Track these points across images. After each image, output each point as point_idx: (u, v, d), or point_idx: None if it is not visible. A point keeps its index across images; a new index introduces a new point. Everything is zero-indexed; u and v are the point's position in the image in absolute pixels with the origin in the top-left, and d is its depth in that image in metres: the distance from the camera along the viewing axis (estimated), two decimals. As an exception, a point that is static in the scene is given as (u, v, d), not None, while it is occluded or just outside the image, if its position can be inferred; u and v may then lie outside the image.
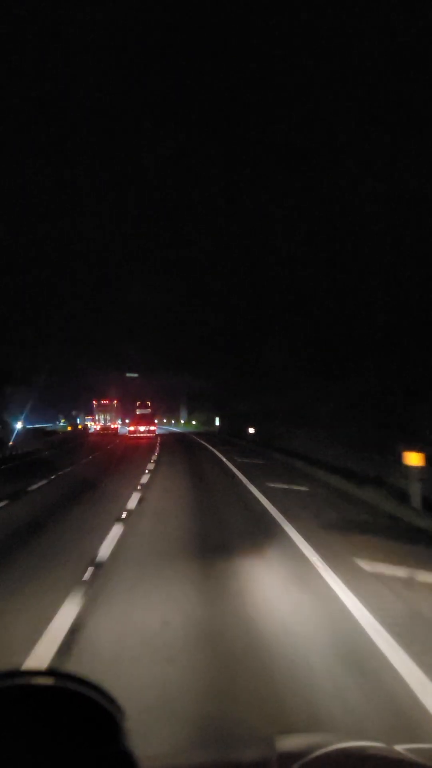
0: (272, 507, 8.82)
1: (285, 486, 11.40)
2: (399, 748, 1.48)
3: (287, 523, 7.55)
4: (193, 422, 65.67)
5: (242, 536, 6.80)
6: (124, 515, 8.19)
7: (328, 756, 1.37)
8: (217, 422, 42.47)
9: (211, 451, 22.06)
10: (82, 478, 13.41)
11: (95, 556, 5.84)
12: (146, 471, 14.32)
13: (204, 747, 2.57)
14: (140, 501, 9.58)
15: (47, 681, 0.80)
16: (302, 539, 6.54)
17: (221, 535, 6.93)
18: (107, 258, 54.31)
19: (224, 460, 17.77)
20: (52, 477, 13.62)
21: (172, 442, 30.26)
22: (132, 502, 9.28)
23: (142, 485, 11.54)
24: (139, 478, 12.67)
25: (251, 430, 26.33)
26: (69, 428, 51.65)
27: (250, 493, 10.50)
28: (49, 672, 0.81)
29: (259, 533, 7.00)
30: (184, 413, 76.33)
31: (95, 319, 60.23)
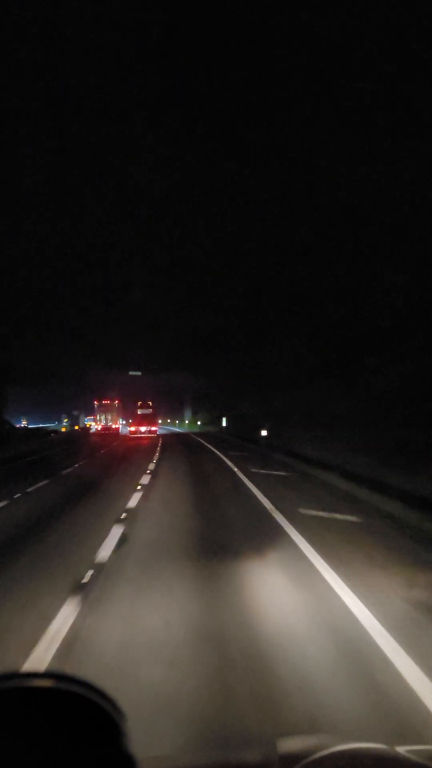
0: (319, 557, 5.71)
1: (325, 514, 8.29)
2: (400, 749, 1.45)
3: (355, 597, 4.47)
4: (198, 422, 62.71)
5: (284, 624, 3.74)
6: (87, 577, 5.12)
7: (329, 758, 1.36)
8: (224, 423, 39.39)
9: (219, 458, 18.99)
10: (50, 499, 10.33)
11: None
12: (138, 487, 11.26)
13: (205, 748, 2.52)
14: (120, 543, 6.53)
15: (47, 683, 0.77)
16: (402, 651, 3.45)
17: (245, 623, 3.86)
18: (108, 257, 52.26)
19: (236, 470, 14.68)
20: (16, 496, 10.58)
21: (174, 445, 27.22)
22: (106, 550, 6.19)
23: (127, 512, 8.48)
24: (128, 500, 9.62)
25: (263, 433, 23.24)
26: (63, 429, 48.79)
27: (279, 527, 7.41)
28: (50, 674, 0.79)
29: (313, 618, 3.94)
30: (188, 413, 73.38)
31: (97, 319, 58.25)
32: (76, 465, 16.98)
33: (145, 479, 12.66)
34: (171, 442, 31.55)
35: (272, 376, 36.65)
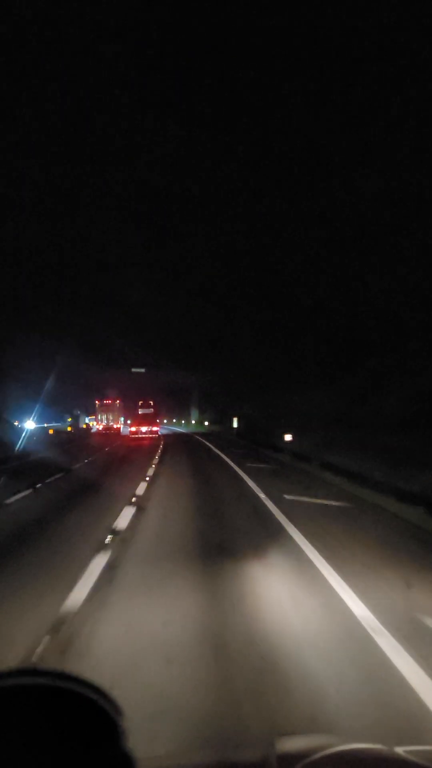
0: None
1: None
2: (400, 750, 1.43)
3: None
4: (206, 423, 58.27)
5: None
6: None
7: (329, 758, 1.34)
8: (235, 424, 34.79)
9: (234, 472, 14.41)
10: None
11: None
12: (97, 555, 6.71)
13: (204, 748, 2.50)
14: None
15: (46, 681, 0.76)
16: None
17: None
18: (111, 254, 50.56)
19: (261, 495, 10.07)
20: None
21: (177, 451, 22.67)
22: None
23: (63, 622, 3.91)
24: (77, 578, 5.06)
25: (288, 437, 18.59)
26: (51, 431, 44.29)
27: (382, 654, 2.85)
28: (48, 672, 0.77)
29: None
30: (195, 413, 68.92)
31: (100, 317, 55.74)
32: (39, 485, 12.41)
33: (123, 520, 8.07)
34: (174, 446, 26.98)
35: (288, 372, 32.07)
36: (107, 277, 53.85)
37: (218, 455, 19.99)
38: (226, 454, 19.85)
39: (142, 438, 36.61)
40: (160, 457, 19.08)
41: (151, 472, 14.35)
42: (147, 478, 12.79)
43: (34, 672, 0.77)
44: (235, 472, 14.33)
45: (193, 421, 67.77)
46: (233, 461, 16.99)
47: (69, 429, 48.37)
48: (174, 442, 30.39)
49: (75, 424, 63.99)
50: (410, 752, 1.41)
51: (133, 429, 40.58)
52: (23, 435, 28.14)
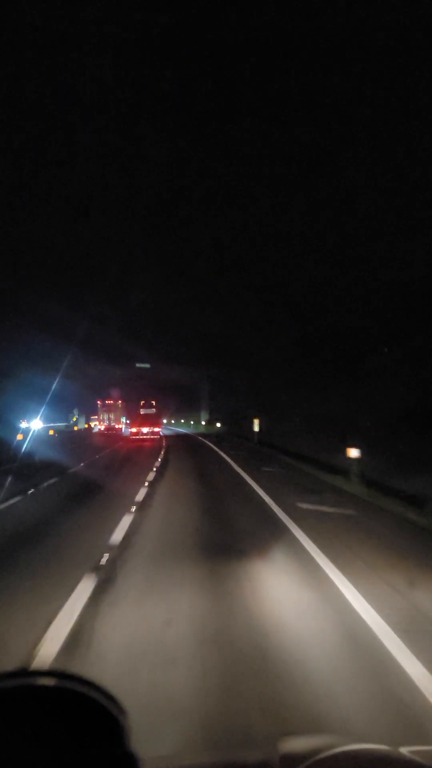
0: None
1: None
2: (404, 750, 1.42)
3: None
4: (218, 424, 51.97)
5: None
6: None
7: (332, 758, 1.33)
8: (256, 427, 28.17)
9: (281, 524, 7.85)
10: None
11: None
12: None
13: (207, 748, 2.45)
14: None
15: (50, 681, 0.76)
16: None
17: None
18: (114, 252, 48.25)
19: (411, 669, 3.51)
20: None
21: (181, 469, 16.18)
22: None
23: None
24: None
25: (353, 453, 11.91)
26: (20, 436, 38.34)
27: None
28: (52, 672, 0.77)
29: None
30: (204, 413, 62.61)
31: (105, 314, 52.00)
32: None
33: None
34: (178, 457, 20.47)
35: (332, 362, 25.32)
36: (111, 274, 49.68)
37: (244, 480, 13.34)
38: (253, 477, 13.28)
39: (144, 439, 35.17)
40: (153, 485, 12.56)
41: (143, 493, 7.76)
42: (132, 512, 6.20)
43: (38, 673, 0.75)
44: (285, 526, 7.66)
45: (203, 422, 61.41)
46: (271, 495, 10.32)
47: (51, 432, 41.95)
48: (178, 452, 23.84)
49: (72, 425, 58.24)
50: (414, 752, 1.40)
51: (134, 430, 39.53)
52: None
